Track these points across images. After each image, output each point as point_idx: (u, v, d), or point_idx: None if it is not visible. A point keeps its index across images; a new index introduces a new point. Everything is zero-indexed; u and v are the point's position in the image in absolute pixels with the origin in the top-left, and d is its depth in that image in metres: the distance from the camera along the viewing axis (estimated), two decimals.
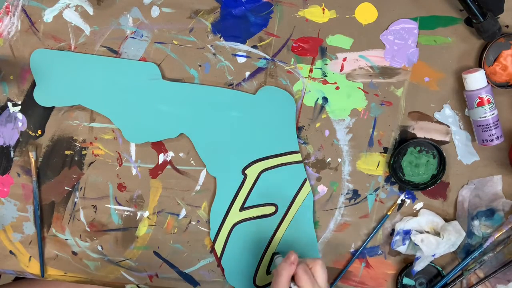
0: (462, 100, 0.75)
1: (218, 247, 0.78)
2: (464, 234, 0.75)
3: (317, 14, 0.73)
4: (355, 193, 0.77)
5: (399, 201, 0.77)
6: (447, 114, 0.75)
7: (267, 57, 0.74)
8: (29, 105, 0.76)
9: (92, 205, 0.78)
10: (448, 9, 0.73)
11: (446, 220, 0.77)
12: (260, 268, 0.79)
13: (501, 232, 0.76)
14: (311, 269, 0.68)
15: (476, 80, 0.71)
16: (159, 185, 0.78)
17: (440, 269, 0.78)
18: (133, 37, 0.74)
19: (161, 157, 0.77)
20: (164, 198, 0.78)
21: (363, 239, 0.79)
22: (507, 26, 0.73)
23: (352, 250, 0.79)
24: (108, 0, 0.73)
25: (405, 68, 0.74)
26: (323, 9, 0.73)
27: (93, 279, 0.81)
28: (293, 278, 0.67)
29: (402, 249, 0.77)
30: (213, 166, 0.76)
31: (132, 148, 0.77)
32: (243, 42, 0.74)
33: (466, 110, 0.75)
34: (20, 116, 0.76)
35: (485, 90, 0.71)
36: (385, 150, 0.76)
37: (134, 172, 0.77)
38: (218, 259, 0.79)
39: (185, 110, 0.75)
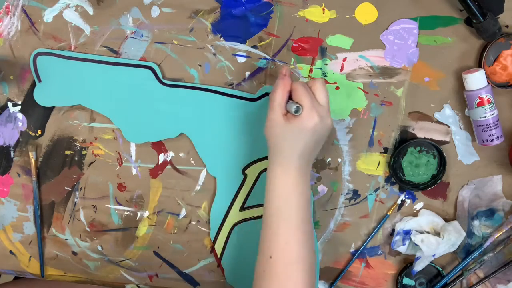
0: (462, 100, 0.75)
1: (218, 247, 0.78)
2: (464, 234, 0.75)
3: (317, 14, 0.73)
4: (355, 193, 0.77)
5: (399, 201, 0.77)
6: (447, 114, 0.75)
7: (267, 57, 0.74)
8: (29, 105, 0.76)
9: (92, 205, 0.78)
10: (448, 9, 0.73)
11: (446, 220, 0.77)
12: None
13: (501, 232, 0.76)
14: (311, 87, 0.64)
15: (476, 80, 0.71)
16: (159, 185, 0.78)
17: (440, 269, 0.78)
18: (133, 37, 0.74)
19: (161, 157, 0.77)
20: (164, 198, 0.78)
21: (363, 239, 0.79)
22: (507, 26, 0.73)
23: (352, 250, 0.79)
24: (108, 0, 0.73)
25: (405, 68, 0.74)
26: (323, 9, 0.73)
27: (93, 279, 0.81)
28: (291, 98, 0.64)
29: (402, 249, 0.77)
30: (213, 166, 0.76)
31: (132, 148, 0.77)
32: (243, 42, 0.74)
33: (466, 110, 0.75)
34: (20, 116, 0.76)
35: (485, 90, 0.71)
36: (385, 150, 0.76)
37: (134, 172, 0.77)
38: (218, 259, 0.79)
39: (185, 110, 0.75)
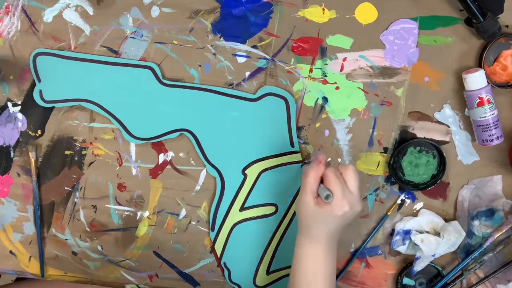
0: (462, 100, 0.75)
1: (218, 247, 0.78)
2: (464, 234, 0.75)
3: (317, 14, 0.73)
4: None
5: (399, 201, 0.77)
6: (447, 114, 0.75)
7: (267, 57, 0.74)
8: (29, 105, 0.76)
9: (92, 205, 0.78)
10: (448, 9, 0.73)
11: (446, 220, 0.77)
12: (260, 268, 0.79)
13: (501, 232, 0.76)
14: (342, 174, 0.65)
15: (476, 80, 0.71)
16: (159, 185, 0.78)
17: (440, 269, 0.78)
18: (133, 37, 0.74)
19: (161, 157, 0.77)
20: (164, 198, 0.78)
21: (363, 239, 0.79)
22: (507, 26, 0.73)
23: (352, 250, 0.79)
24: (108, 0, 0.73)
25: (405, 68, 0.74)
26: (323, 9, 0.73)
27: (93, 279, 0.81)
28: (322, 182, 0.65)
29: (402, 249, 0.77)
30: (213, 166, 0.76)
31: (132, 148, 0.77)
32: (243, 42, 0.74)
33: (466, 110, 0.75)
34: (20, 116, 0.76)
35: (485, 90, 0.71)
36: (385, 150, 0.76)
37: (134, 172, 0.77)
38: (218, 259, 0.79)
39: (185, 110, 0.75)
